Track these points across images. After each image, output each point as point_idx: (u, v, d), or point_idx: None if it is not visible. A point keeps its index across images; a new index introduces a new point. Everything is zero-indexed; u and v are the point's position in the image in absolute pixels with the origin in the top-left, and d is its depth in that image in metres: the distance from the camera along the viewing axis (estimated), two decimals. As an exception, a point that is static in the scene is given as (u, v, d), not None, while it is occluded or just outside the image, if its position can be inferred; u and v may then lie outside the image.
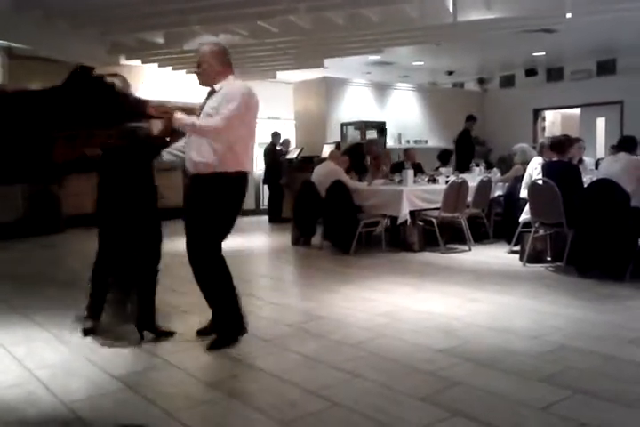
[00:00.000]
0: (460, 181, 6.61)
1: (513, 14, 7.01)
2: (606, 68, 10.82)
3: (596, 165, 8.15)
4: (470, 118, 9.96)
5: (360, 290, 4.80)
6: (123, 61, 9.64)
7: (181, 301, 4.42)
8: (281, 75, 11.14)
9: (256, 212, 12.00)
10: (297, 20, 7.27)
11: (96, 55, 9.04)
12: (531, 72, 11.94)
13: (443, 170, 8.21)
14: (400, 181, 6.89)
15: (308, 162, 10.11)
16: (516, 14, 7.03)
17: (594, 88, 11.07)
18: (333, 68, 10.63)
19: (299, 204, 7.41)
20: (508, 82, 12.65)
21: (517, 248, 6.08)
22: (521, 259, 5.79)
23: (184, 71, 10.25)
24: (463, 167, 8.71)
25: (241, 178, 3.30)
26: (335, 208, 6.75)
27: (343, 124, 12.08)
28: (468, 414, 2.40)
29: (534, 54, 10.90)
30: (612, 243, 4.89)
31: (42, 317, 3.99)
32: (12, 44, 8.46)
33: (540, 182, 5.49)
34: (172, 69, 10.21)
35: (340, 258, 6.50)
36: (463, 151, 9.67)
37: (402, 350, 3.23)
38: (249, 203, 12.14)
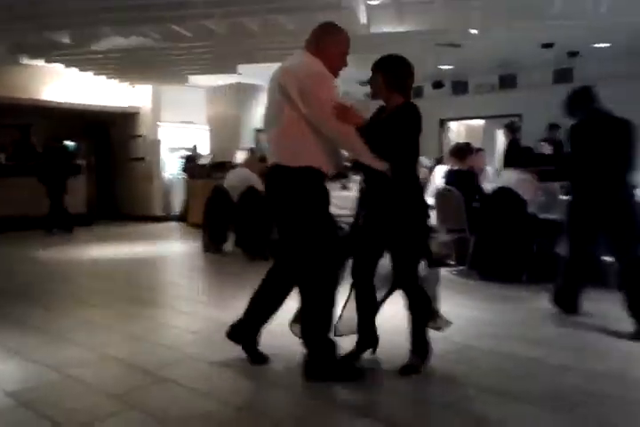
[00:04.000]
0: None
1: (423, 28, 7.28)
2: (507, 82, 11.43)
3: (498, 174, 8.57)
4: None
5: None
6: (25, 61, 9.16)
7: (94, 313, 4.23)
8: (193, 79, 10.96)
9: (167, 218, 11.73)
10: (211, 25, 7.19)
11: (-6, 53, 8.54)
12: (438, 84, 12.40)
13: (355, 177, 8.36)
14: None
15: (221, 168, 10.02)
16: (425, 28, 7.30)
17: (496, 101, 11.66)
18: (247, 74, 10.58)
19: (210, 210, 7.31)
20: (416, 93, 13.08)
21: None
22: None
23: (92, 73, 9.86)
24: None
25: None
26: (248, 214, 6.71)
27: (257, 131, 12.05)
28: (380, 416, 2.45)
29: (441, 67, 11.35)
30: (509, 247, 5.18)
31: None
32: None
33: (445, 190, 5.71)
34: (80, 71, 9.79)
35: (252, 265, 6.45)
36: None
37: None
38: (158, 209, 11.86)
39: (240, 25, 7.24)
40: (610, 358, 3.23)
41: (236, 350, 3.33)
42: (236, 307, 4.37)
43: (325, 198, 2.91)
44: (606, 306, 4.26)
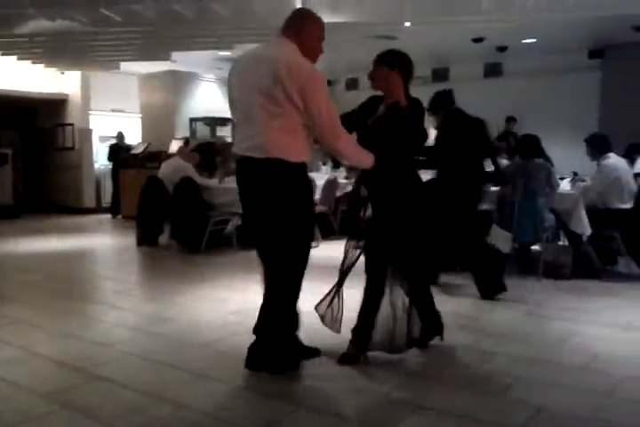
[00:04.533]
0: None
1: (356, 19, 7.32)
2: (440, 75, 11.67)
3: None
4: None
5: (210, 289, 4.75)
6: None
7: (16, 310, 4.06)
8: (125, 66, 10.62)
9: (98, 210, 11.39)
10: (142, 10, 6.97)
11: None
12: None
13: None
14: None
15: (155, 157, 9.80)
16: (358, 20, 7.34)
17: (429, 94, 11.89)
18: (182, 61, 10.36)
19: (144, 201, 7.13)
20: (353, 84, 13.16)
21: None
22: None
23: (15, 57, 9.37)
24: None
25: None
26: (184, 205, 6.60)
27: (192, 120, 11.84)
28: (318, 407, 2.48)
29: (377, 59, 11.48)
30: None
31: None
32: None
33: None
34: (2, 54, 9.29)
35: (188, 257, 6.37)
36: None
37: (250, 348, 3.24)
38: (89, 201, 11.50)
39: (172, 11, 7.07)
40: (532, 343, 3.39)
41: (168, 346, 3.29)
42: (173, 301, 4.34)
43: (312, 191, 3.00)
44: (527, 292, 4.52)
